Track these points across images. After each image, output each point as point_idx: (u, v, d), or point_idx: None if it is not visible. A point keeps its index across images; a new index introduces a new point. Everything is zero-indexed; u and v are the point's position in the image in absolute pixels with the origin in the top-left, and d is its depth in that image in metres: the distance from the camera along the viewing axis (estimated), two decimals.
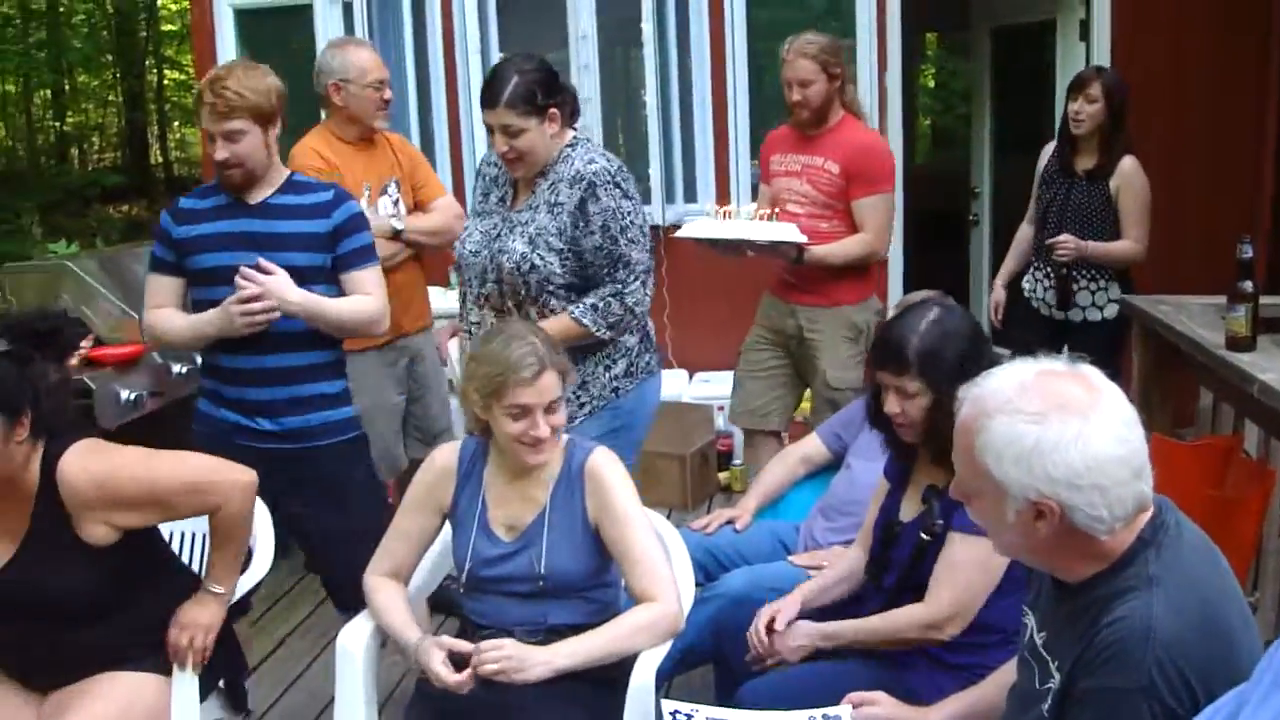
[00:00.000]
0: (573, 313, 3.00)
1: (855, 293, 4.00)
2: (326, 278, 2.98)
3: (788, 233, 3.80)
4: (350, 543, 2.82)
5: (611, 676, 2.31)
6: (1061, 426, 1.58)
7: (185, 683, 2.40)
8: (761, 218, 3.85)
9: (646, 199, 5.86)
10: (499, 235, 3.09)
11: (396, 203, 3.85)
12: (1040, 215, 4.46)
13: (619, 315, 3.03)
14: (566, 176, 3.01)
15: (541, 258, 2.99)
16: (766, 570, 3.03)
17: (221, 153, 2.87)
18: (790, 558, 3.08)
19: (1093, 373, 1.67)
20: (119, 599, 2.38)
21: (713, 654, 2.83)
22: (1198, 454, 3.23)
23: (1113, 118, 4.24)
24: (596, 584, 2.46)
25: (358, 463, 3.16)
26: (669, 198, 5.90)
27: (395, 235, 3.76)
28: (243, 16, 6.20)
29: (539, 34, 6.03)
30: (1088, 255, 4.26)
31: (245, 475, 2.47)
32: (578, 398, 3.03)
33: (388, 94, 3.80)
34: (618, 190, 2.99)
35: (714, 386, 5.67)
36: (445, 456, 2.55)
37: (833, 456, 3.39)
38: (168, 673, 2.42)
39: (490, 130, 3.01)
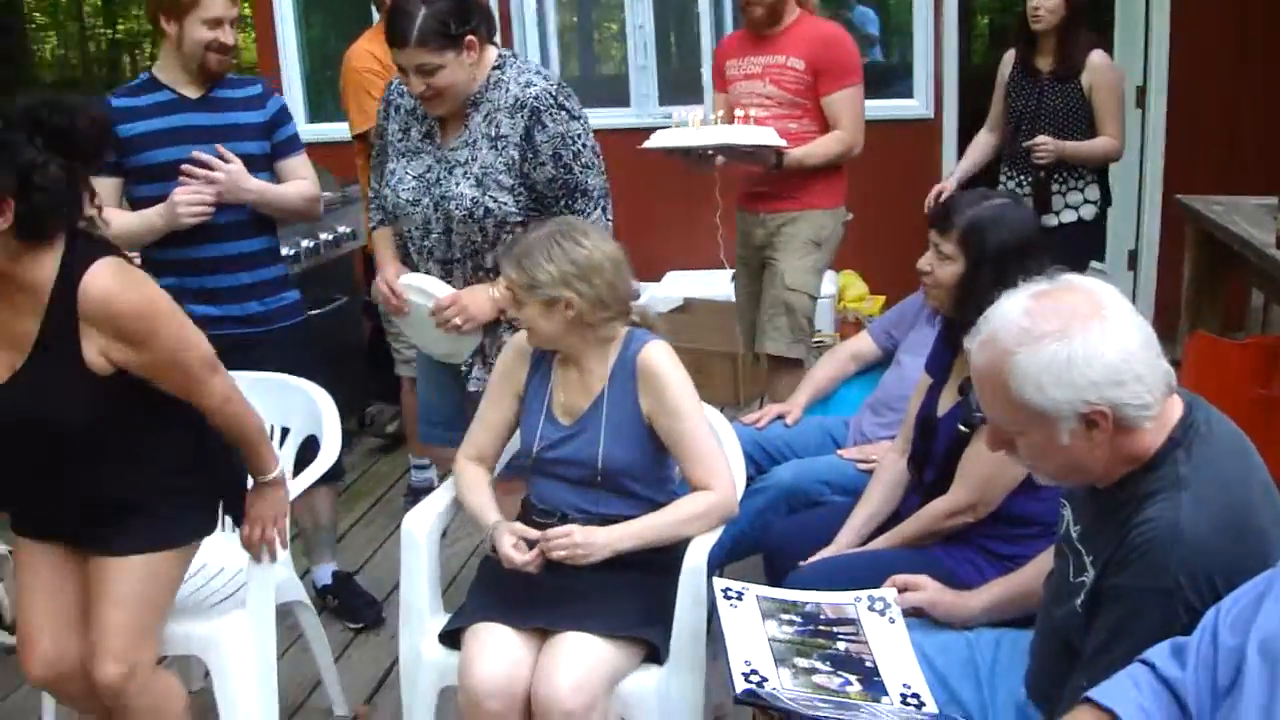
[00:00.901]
0: None
1: (827, 198, 3.91)
2: (265, 165, 3.12)
3: (767, 136, 3.66)
4: None
5: (665, 564, 2.40)
6: (1085, 334, 1.61)
7: (262, 573, 2.54)
8: (739, 122, 3.67)
9: (699, 97, 5.85)
10: (438, 179, 2.83)
11: None
12: (1013, 122, 4.32)
13: None
14: (504, 105, 2.77)
15: (494, 199, 2.77)
16: (815, 463, 3.09)
17: (229, 38, 2.98)
18: (838, 451, 3.13)
19: (1076, 277, 1.71)
20: (117, 443, 2.30)
21: (762, 543, 2.91)
22: (1246, 353, 3.25)
23: (1072, 11, 4.12)
24: (653, 479, 2.51)
25: (309, 344, 3.32)
26: None
27: None
28: None
29: None
30: (1066, 155, 4.15)
31: (224, 388, 2.37)
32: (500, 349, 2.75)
33: None
34: (563, 113, 2.75)
35: None
36: (520, 341, 2.61)
37: (883, 354, 3.42)
38: (174, 543, 2.40)
39: (404, 71, 2.75)
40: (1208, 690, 1.47)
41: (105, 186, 2.97)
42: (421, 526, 2.51)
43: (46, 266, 2.13)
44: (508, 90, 2.77)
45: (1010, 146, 4.35)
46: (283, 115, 3.18)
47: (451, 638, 2.38)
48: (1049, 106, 4.20)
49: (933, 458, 2.56)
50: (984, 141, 4.54)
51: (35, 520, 2.42)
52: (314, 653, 2.90)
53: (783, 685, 1.88)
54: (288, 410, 2.90)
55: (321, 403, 2.86)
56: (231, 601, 2.65)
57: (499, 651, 2.26)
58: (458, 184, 2.79)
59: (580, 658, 2.22)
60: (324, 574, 3.54)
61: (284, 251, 4.12)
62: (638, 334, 2.53)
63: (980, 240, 2.44)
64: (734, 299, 5.57)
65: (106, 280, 2.14)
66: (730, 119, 3.73)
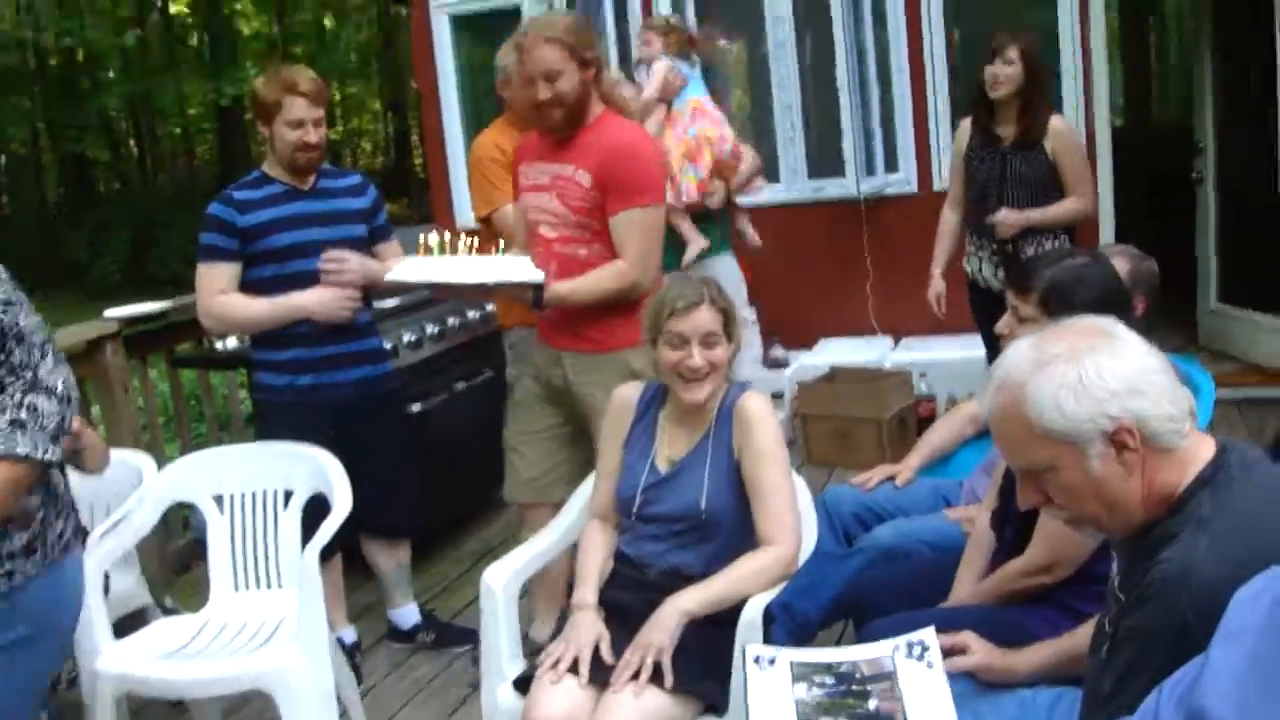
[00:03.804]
0: None
1: (631, 332, 3.07)
2: (365, 248, 3.43)
3: (517, 270, 3.06)
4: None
5: (732, 617, 2.42)
6: (1093, 352, 1.61)
7: (312, 603, 2.68)
8: (451, 248, 3.06)
9: (840, 172, 5.90)
10: None
11: None
12: (977, 192, 4.28)
13: (57, 413, 2.03)
14: None
15: None
16: (917, 523, 3.05)
17: (313, 136, 3.30)
18: (945, 511, 3.09)
19: (1073, 319, 1.71)
20: None
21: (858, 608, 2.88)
22: None
23: (1031, 81, 4.11)
24: (749, 533, 2.54)
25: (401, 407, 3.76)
26: (869, 169, 5.90)
27: None
28: (457, 22, 6.64)
29: (735, 16, 6.20)
30: (1032, 224, 4.14)
31: None
32: None
33: None
34: None
35: (916, 352, 5.68)
36: (626, 392, 2.75)
37: None
38: None
39: None
40: None
41: (227, 272, 3.32)
42: (499, 580, 2.63)
43: None
44: None
45: (975, 217, 4.32)
46: (379, 202, 3.50)
47: (527, 684, 2.45)
48: (1015, 175, 4.18)
49: (1011, 517, 2.51)
50: (951, 222, 4.50)
51: None
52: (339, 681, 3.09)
53: None
54: (290, 474, 3.22)
55: (327, 464, 3.14)
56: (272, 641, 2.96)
57: (560, 700, 2.33)
58: None
59: (633, 710, 2.27)
60: (410, 613, 3.79)
61: (430, 330, 4.39)
62: (736, 385, 2.63)
63: (1065, 301, 2.39)
64: (880, 365, 5.56)
65: None
66: (522, 237, 3.28)
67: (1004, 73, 4.10)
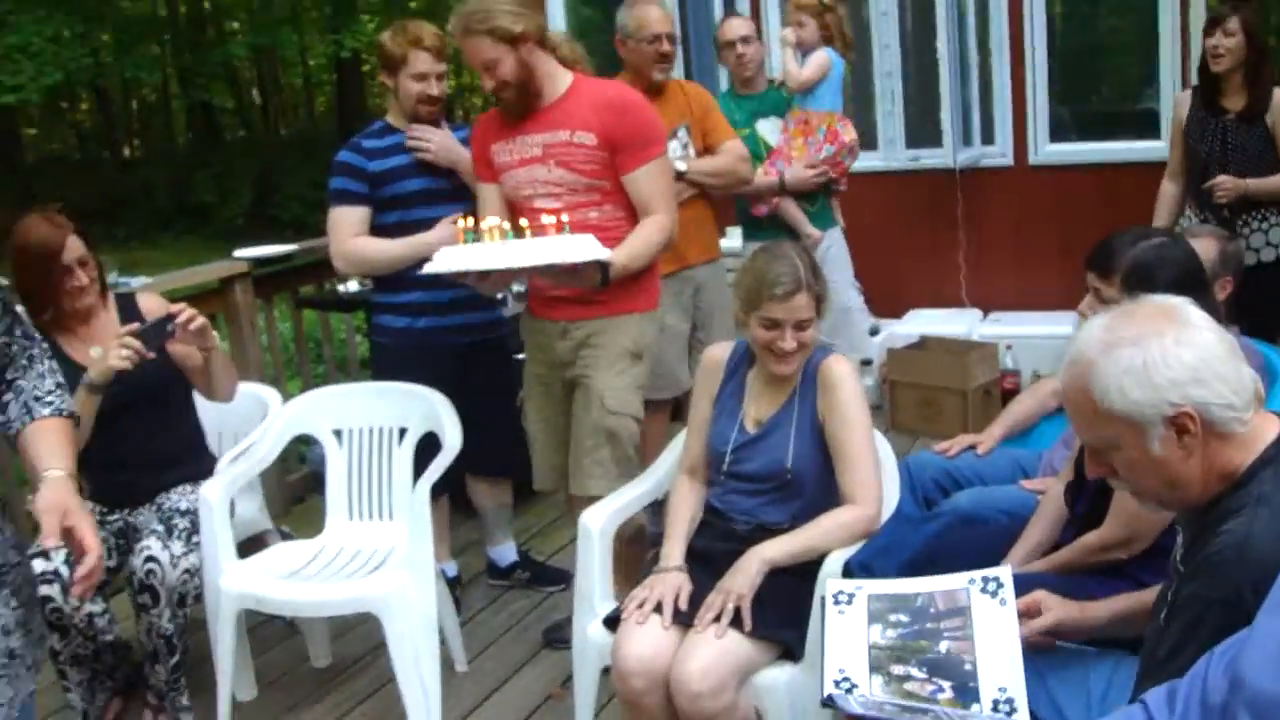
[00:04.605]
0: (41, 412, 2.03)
1: (644, 299, 3.23)
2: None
3: (583, 249, 2.87)
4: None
5: (813, 568, 2.56)
6: (1160, 338, 1.68)
7: (421, 537, 2.95)
8: (550, 230, 2.87)
9: (936, 142, 5.95)
10: None
11: (685, 146, 4.11)
12: (1201, 164, 4.27)
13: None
14: None
15: None
16: (995, 491, 3.13)
17: (435, 89, 3.48)
18: (1022, 482, 3.17)
19: (1149, 296, 1.79)
20: None
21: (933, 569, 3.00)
22: None
23: (1255, 50, 4.10)
24: (831, 491, 2.68)
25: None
26: (965, 140, 5.93)
27: (679, 176, 3.94)
28: None
29: None
30: (1249, 193, 4.12)
31: None
32: None
33: (665, 47, 3.99)
34: None
35: (1004, 326, 5.74)
36: (716, 352, 2.90)
37: None
38: None
39: None
40: None
41: (359, 216, 3.51)
42: (596, 521, 2.83)
43: None
44: None
45: (1194, 191, 4.34)
46: None
47: (616, 623, 2.63)
48: (1235, 146, 4.19)
49: (1085, 490, 2.58)
50: (1170, 193, 4.49)
51: None
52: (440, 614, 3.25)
53: (872, 692, 1.97)
54: (406, 412, 3.41)
55: (439, 405, 3.33)
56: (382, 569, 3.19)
57: (647, 637, 2.52)
58: None
59: (714, 648, 2.44)
60: (508, 552, 4.00)
61: None
62: (819, 348, 2.76)
63: (1148, 280, 2.44)
64: (968, 337, 5.62)
65: None
66: (517, 219, 3.04)
67: (1225, 44, 4.14)
